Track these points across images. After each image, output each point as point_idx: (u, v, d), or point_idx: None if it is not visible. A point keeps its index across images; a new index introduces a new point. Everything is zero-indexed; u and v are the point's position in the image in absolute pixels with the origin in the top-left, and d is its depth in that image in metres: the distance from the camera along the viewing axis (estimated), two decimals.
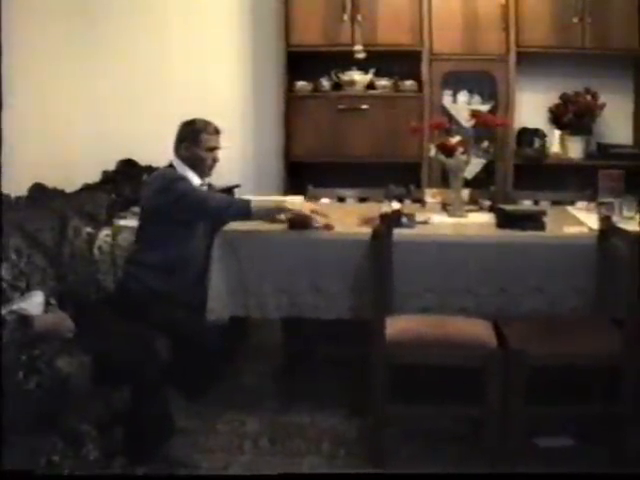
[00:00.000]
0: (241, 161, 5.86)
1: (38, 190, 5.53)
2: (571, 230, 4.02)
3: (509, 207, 4.28)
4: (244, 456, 3.69)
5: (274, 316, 4.01)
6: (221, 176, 4.23)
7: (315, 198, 4.87)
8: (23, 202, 4.80)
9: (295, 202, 4.17)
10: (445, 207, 4.51)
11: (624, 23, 5.52)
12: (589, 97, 5.76)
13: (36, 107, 5.95)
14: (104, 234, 4.35)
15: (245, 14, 6.12)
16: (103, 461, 3.13)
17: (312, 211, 3.99)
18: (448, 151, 4.31)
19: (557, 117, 5.85)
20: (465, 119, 5.05)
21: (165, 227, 4.01)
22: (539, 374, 3.44)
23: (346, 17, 5.68)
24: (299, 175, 5.82)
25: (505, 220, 4.06)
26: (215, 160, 4.17)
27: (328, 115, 5.89)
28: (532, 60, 5.71)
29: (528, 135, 5.88)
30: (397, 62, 5.87)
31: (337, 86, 5.97)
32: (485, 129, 5.00)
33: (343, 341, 4.31)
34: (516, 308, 3.80)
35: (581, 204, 4.74)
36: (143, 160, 5.92)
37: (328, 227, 3.99)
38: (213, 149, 4.15)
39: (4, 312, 3.16)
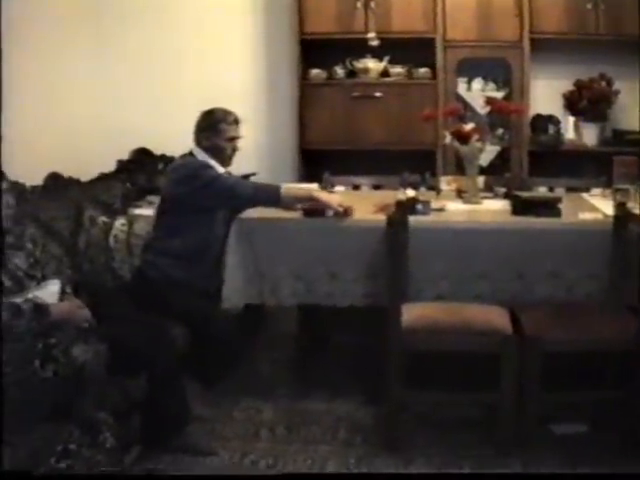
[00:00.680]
0: (256, 149, 5.85)
1: (54, 179, 5.57)
2: (586, 216, 4.01)
3: (524, 194, 4.25)
4: (260, 443, 3.71)
5: (289, 303, 4.02)
6: (236, 164, 4.23)
7: (330, 185, 4.87)
8: (39, 191, 4.84)
9: (322, 193, 4.14)
10: (460, 194, 4.50)
11: (638, 9, 5.48)
12: (603, 83, 5.72)
13: (53, 99, 6.00)
14: (120, 223, 4.38)
15: (259, 2, 6.11)
16: (120, 449, 3.13)
17: (339, 204, 3.97)
18: (463, 138, 4.30)
19: (572, 103, 5.81)
20: (480, 106, 5.05)
21: (186, 215, 4.00)
22: (554, 360, 3.44)
23: (360, 4, 5.66)
24: (314, 163, 5.80)
25: (520, 207, 4.05)
26: (235, 149, 4.16)
27: (342, 103, 5.87)
28: (546, 46, 5.66)
29: (542, 122, 5.85)
30: (411, 49, 5.81)
31: (351, 74, 5.95)
32: (500, 116, 4.99)
33: (359, 328, 4.32)
34: (531, 294, 3.81)
35: (596, 190, 4.71)
36: (157, 149, 5.94)
37: (347, 212, 3.98)
38: (233, 139, 4.14)
39: (20, 301, 3.17)
